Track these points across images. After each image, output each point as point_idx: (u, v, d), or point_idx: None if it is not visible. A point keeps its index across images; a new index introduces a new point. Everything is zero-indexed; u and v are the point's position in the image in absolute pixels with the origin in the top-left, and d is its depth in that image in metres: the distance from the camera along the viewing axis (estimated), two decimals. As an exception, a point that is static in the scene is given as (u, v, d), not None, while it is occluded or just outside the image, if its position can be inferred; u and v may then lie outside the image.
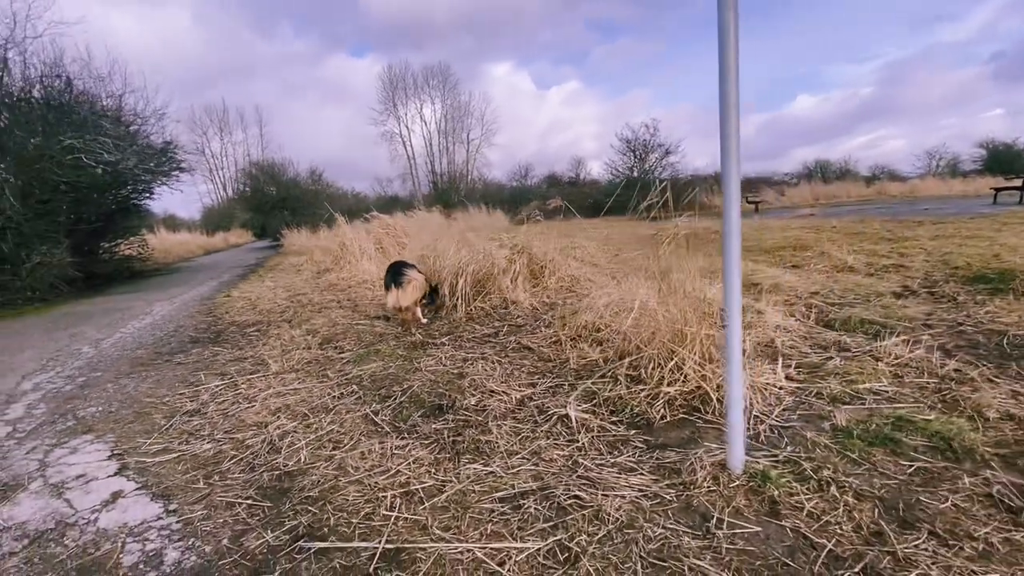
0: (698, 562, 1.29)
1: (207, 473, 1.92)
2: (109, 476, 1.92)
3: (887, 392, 2.22)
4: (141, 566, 1.41)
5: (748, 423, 2.03)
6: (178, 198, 57.68)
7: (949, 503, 1.45)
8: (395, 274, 3.84)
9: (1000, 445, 1.75)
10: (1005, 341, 2.75)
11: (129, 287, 9.20)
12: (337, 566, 1.37)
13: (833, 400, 2.19)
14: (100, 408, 2.70)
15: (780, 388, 2.35)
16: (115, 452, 2.14)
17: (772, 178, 31.53)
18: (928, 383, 2.28)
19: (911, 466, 1.66)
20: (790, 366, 2.61)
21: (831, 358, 2.67)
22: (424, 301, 4.22)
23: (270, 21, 50.61)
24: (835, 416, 1.98)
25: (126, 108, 10.86)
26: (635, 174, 19.47)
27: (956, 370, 2.39)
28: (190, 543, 1.50)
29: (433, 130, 37.41)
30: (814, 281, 4.55)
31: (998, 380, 2.27)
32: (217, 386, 2.97)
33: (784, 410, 2.14)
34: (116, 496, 1.77)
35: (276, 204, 20.33)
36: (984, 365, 2.44)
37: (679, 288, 2.71)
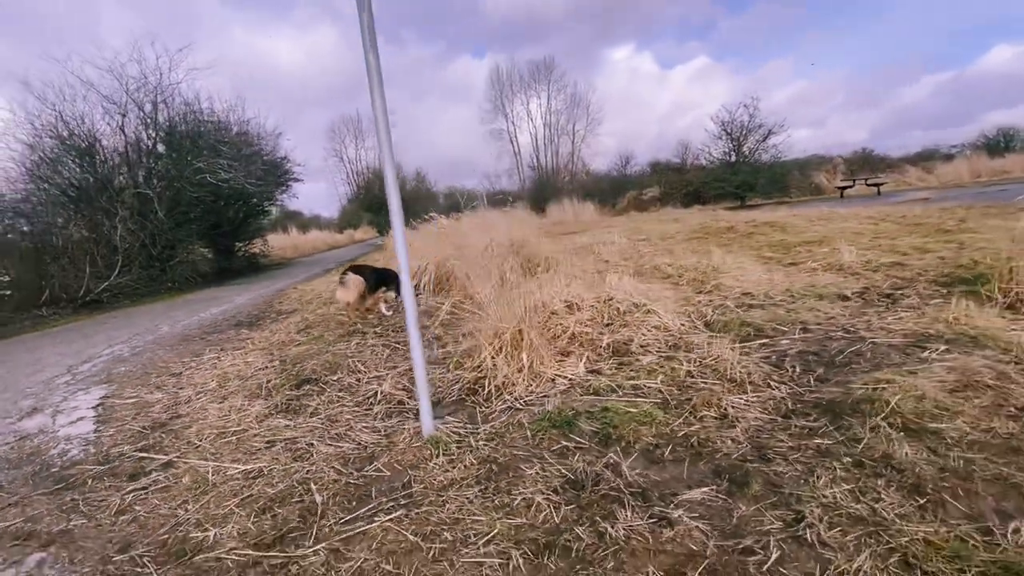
0: (313, 487, 1.87)
1: (138, 412, 2.93)
2: (88, 408, 3.02)
3: (644, 388, 2.46)
4: (55, 455, 2.40)
5: (496, 405, 2.46)
6: (323, 199, 66.47)
7: (533, 471, 1.82)
8: (342, 276, 4.69)
9: (662, 436, 1.99)
10: (851, 349, 2.69)
11: (242, 280, 11.49)
12: (138, 464, 2.21)
13: (594, 392, 2.50)
14: (128, 368, 3.96)
15: (569, 379, 2.69)
16: (106, 395, 3.28)
17: (938, 150, 26.79)
18: (699, 383, 2.46)
19: (563, 445, 2.00)
20: (600, 362, 2.89)
21: (647, 357, 2.89)
22: (398, 296, 5.01)
23: (400, 31, 55.49)
24: (548, 403, 2.34)
25: (250, 132, 13.42)
26: (732, 159, 18.13)
27: (747, 372, 2.50)
28: (87, 447, 2.46)
29: (539, 124, 38.26)
30: (771, 281, 4.43)
31: (779, 385, 2.37)
32: (208, 357, 4.08)
33: (543, 396, 2.51)
34: (79, 420, 2.84)
35: (383, 203, 22.91)
36: (792, 369, 2.51)
37: (514, 288, 3.13)
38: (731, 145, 18.05)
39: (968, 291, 3.56)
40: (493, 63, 57.87)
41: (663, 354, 2.93)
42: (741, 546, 1.34)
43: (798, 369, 2.53)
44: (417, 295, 5.06)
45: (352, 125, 40.82)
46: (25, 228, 9.03)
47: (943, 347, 2.53)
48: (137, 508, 1.85)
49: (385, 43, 52.77)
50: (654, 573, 1.27)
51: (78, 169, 10.03)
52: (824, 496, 1.46)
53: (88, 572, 1.51)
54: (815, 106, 50.90)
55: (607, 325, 3.59)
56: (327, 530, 1.60)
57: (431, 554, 1.43)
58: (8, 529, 1.80)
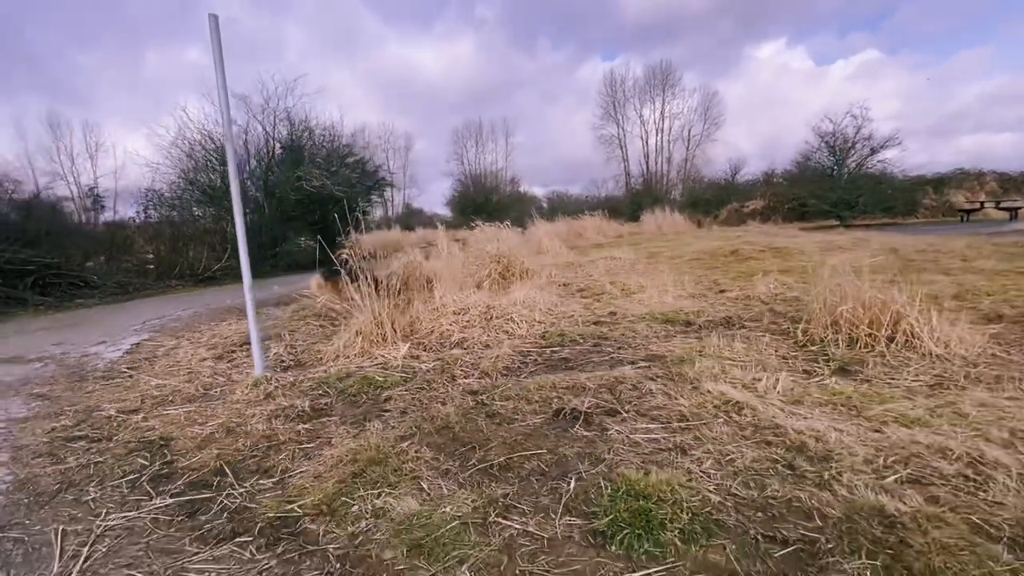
0: (174, 394, 3.29)
1: (151, 350, 4.68)
2: (128, 345, 4.87)
3: (416, 368, 3.50)
4: (89, 366, 4.17)
5: (319, 368, 3.69)
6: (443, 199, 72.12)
7: (277, 400, 3.02)
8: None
9: (370, 395, 3.07)
10: (592, 360, 3.44)
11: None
12: (118, 375, 3.84)
13: (385, 368, 3.60)
14: (175, 325, 5.89)
15: (385, 358, 3.81)
16: (145, 339, 5.14)
17: None
18: (457, 370, 3.43)
19: (316, 392, 3.17)
20: (425, 350, 3.95)
21: (458, 351, 3.88)
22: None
23: (532, 38, 58.03)
24: (318, 363, 3.50)
25: (352, 145, 16.10)
26: (834, 174, 16.71)
27: (499, 365, 3.41)
28: (103, 364, 4.21)
29: (651, 130, 37.89)
30: (659, 303, 5.00)
31: (499, 377, 3.27)
32: (224, 324, 5.87)
33: (354, 366, 3.67)
34: (117, 350, 4.67)
35: (478, 207, 25.12)
36: (530, 367, 3.38)
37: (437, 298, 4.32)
38: (832, 159, 16.70)
39: (792, 328, 3.94)
40: (627, 64, 57.94)
41: (472, 350, 3.90)
42: (301, 436, 2.43)
43: (532, 367, 3.38)
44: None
45: (473, 130, 44.02)
46: (176, 219, 12.33)
47: (644, 364, 3.20)
48: (96, 392, 3.44)
49: (524, 56, 55.58)
50: (255, 440, 2.42)
51: (216, 175, 13.24)
52: (357, 419, 2.47)
53: (52, 411, 3.08)
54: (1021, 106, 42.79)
55: (472, 327, 4.59)
56: (155, 411, 2.99)
57: (182, 426, 2.73)
58: (36, 392, 3.49)
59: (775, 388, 2.61)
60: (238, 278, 11.50)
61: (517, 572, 1.39)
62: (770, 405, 2.39)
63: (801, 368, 3.03)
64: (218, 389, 3.37)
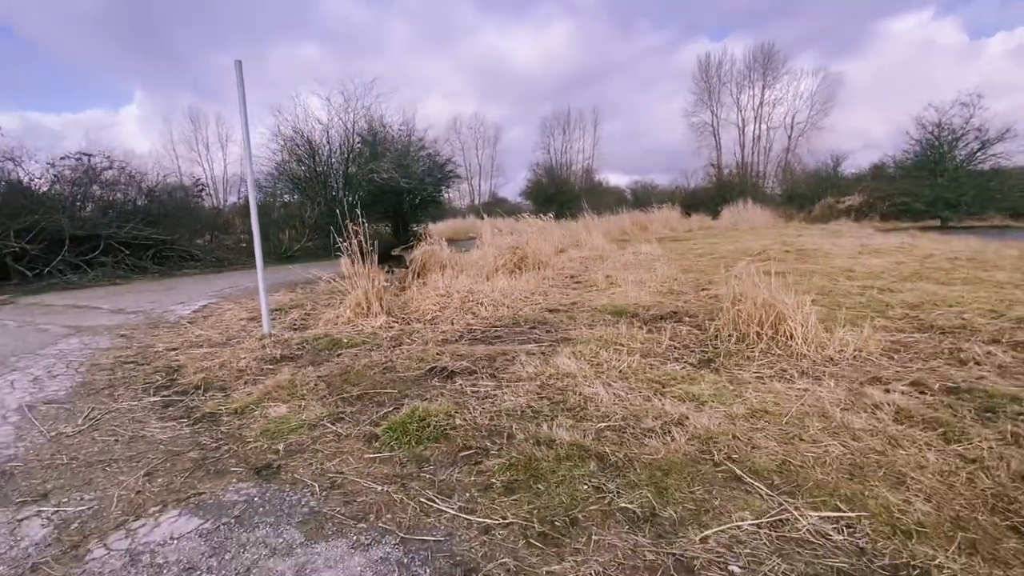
0: (204, 341, 4.53)
1: (211, 310, 6.11)
2: (197, 306, 6.37)
3: (378, 336, 4.45)
4: (164, 319, 5.65)
5: (312, 331, 4.78)
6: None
7: (267, 349, 4.12)
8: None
9: (333, 351, 4.06)
10: (517, 337, 4.17)
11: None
12: (180, 326, 5.23)
13: (358, 333, 4.59)
14: (239, 294, 7.41)
15: (361, 326, 4.81)
16: (210, 303, 6.64)
17: None
18: (406, 340, 4.34)
19: (298, 346, 4.24)
20: (398, 323, 4.90)
21: (420, 324, 4.78)
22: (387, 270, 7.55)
23: (632, 19, 56.55)
24: (314, 328, 4.55)
25: (424, 140, 17.54)
26: (935, 170, 15.08)
27: (439, 337, 4.28)
28: (174, 318, 5.66)
29: (748, 117, 35.93)
30: (623, 296, 5.53)
31: (437, 345, 4.14)
32: (272, 295, 7.28)
33: (334, 330, 4.71)
34: (188, 309, 6.17)
35: (549, 198, 25.80)
36: (458, 341, 4.21)
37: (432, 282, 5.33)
38: (934, 153, 15.15)
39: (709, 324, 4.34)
40: (735, 44, 55.01)
41: (435, 325, 4.79)
42: (262, 372, 3.46)
43: (466, 340, 4.19)
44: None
45: (561, 119, 44.25)
46: (267, 205, 14.50)
47: (548, 343, 3.88)
48: (159, 335, 4.80)
49: (621, 39, 54.69)
50: (232, 372, 3.50)
51: (303, 167, 15.27)
52: (304, 365, 3.45)
53: (125, 345, 4.44)
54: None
55: (448, 308, 5.47)
56: (187, 351, 4.23)
57: (196, 360, 3.91)
58: (122, 333, 4.93)
59: (615, 367, 3.20)
60: (314, 257, 13.41)
61: (311, 448, 2.26)
62: (594, 378, 3.00)
63: (673, 356, 3.55)
64: (235, 340, 4.57)
